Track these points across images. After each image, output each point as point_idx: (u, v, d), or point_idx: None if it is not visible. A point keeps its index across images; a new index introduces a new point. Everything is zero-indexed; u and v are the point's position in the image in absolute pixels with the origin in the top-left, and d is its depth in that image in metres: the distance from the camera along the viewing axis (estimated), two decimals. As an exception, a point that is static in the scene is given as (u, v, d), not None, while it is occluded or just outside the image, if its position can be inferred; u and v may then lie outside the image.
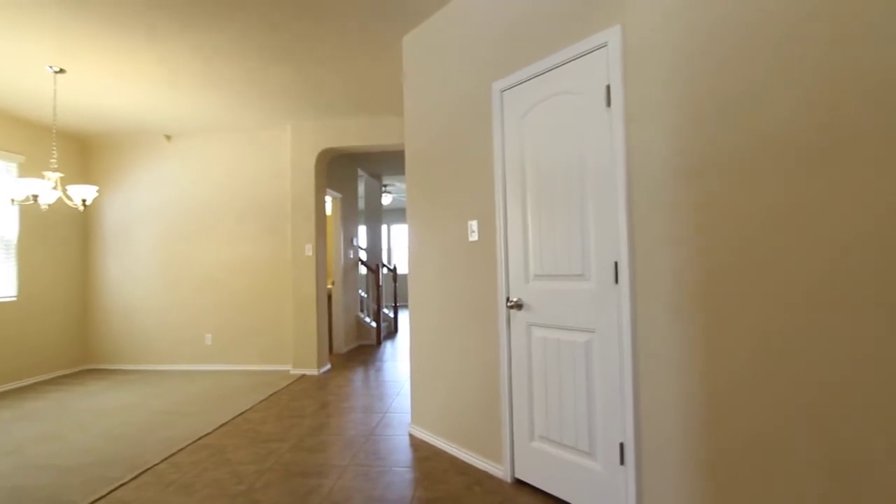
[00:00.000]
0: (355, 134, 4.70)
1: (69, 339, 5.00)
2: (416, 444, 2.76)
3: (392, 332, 7.47)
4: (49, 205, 3.74)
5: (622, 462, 1.73)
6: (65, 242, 4.99)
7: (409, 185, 3.01)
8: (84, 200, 3.38)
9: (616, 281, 1.75)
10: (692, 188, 1.53)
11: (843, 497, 1.21)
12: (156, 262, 5.12)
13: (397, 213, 11.98)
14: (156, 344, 5.08)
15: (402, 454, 2.63)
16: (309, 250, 4.72)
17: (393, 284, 8.46)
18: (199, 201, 5.08)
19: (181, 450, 2.75)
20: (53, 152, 3.54)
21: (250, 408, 3.55)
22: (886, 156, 1.14)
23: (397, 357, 5.54)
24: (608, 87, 1.79)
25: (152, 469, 2.49)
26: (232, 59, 3.31)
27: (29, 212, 4.58)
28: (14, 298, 4.44)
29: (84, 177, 5.24)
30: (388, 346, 6.29)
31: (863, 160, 1.18)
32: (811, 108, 1.27)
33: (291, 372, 4.70)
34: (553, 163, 1.99)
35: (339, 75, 3.64)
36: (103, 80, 3.61)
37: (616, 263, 1.75)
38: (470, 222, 2.46)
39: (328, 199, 5.90)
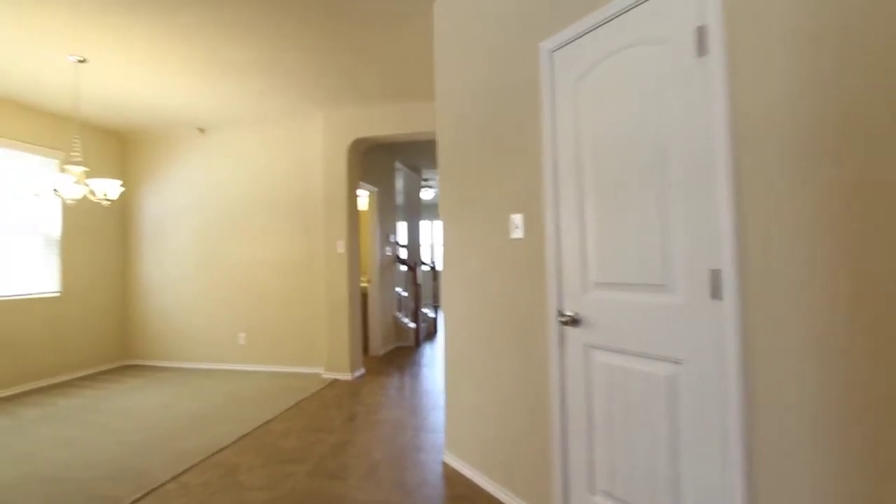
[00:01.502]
0: (389, 121, 4.36)
1: (110, 335, 5.03)
2: (450, 476, 2.38)
3: (432, 333, 7.14)
4: (75, 199, 3.65)
5: (722, 544, 1.26)
6: (105, 239, 5.01)
7: (442, 174, 2.61)
8: (105, 194, 3.24)
9: (715, 295, 1.27)
10: (843, 167, 1.03)
11: None
12: (190, 260, 5.04)
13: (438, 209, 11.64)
14: (191, 342, 5.01)
15: (432, 488, 2.26)
16: (341, 247, 4.44)
17: (433, 283, 8.13)
18: (231, 197, 4.94)
19: (194, 466, 2.52)
20: (76, 143, 3.44)
21: (275, 417, 3.31)
22: None
23: (436, 362, 5.18)
24: (701, 30, 1.31)
25: (158, 490, 2.26)
26: (261, 43, 3.05)
27: (71, 209, 4.60)
28: (58, 294, 4.47)
29: (122, 172, 5.24)
30: (426, 349, 5.96)
31: None
32: None
33: (324, 376, 4.46)
34: (620, 138, 1.52)
35: (371, 56, 3.29)
36: (131, 70, 3.47)
37: (714, 272, 1.27)
38: (512, 216, 2.03)
39: (363, 193, 5.62)
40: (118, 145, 5.17)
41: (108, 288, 5.01)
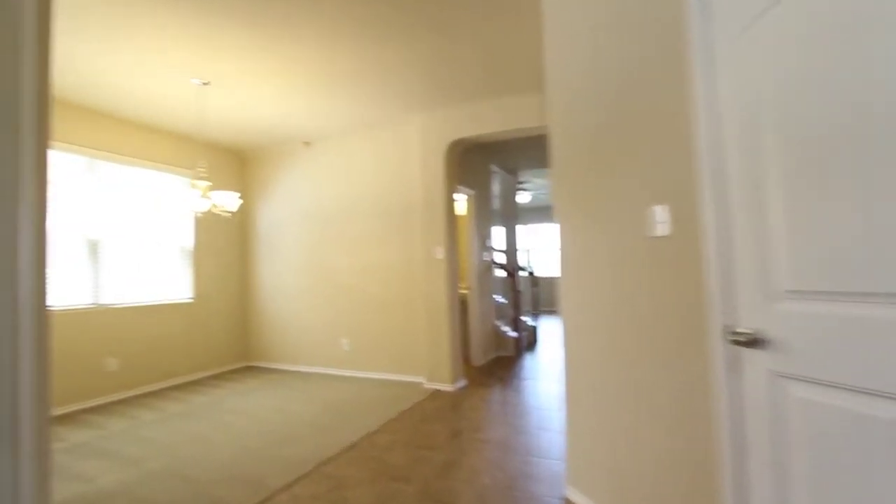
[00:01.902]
0: (489, 119, 4.14)
1: (234, 338, 5.45)
2: (574, 516, 2.04)
3: (532, 342, 6.76)
4: (202, 213, 3.93)
5: None
6: (229, 249, 5.46)
7: (556, 169, 2.30)
8: (226, 207, 3.44)
9: None
10: None
11: None
12: (297, 266, 5.29)
13: (536, 213, 11.20)
14: (300, 346, 5.24)
15: (554, 529, 1.94)
16: (440, 253, 4.31)
17: (531, 289, 7.74)
18: (332, 205, 5.10)
19: (303, 476, 2.49)
20: (201, 161, 3.75)
21: (379, 428, 3.23)
22: None
23: (539, 375, 4.82)
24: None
25: (271, 500, 2.24)
26: (370, 45, 3.03)
27: (201, 221, 5.08)
28: (192, 300, 4.95)
29: (241, 187, 5.70)
30: (528, 360, 5.60)
31: None
32: None
33: (425, 385, 4.35)
34: (822, 96, 1.10)
35: (471, 45, 3.11)
36: (250, 90, 3.69)
37: None
38: (653, 208, 1.66)
39: (460, 197, 5.47)
40: (237, 162, 5.64)
41: (231, 294, 5.45)
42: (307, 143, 5.25)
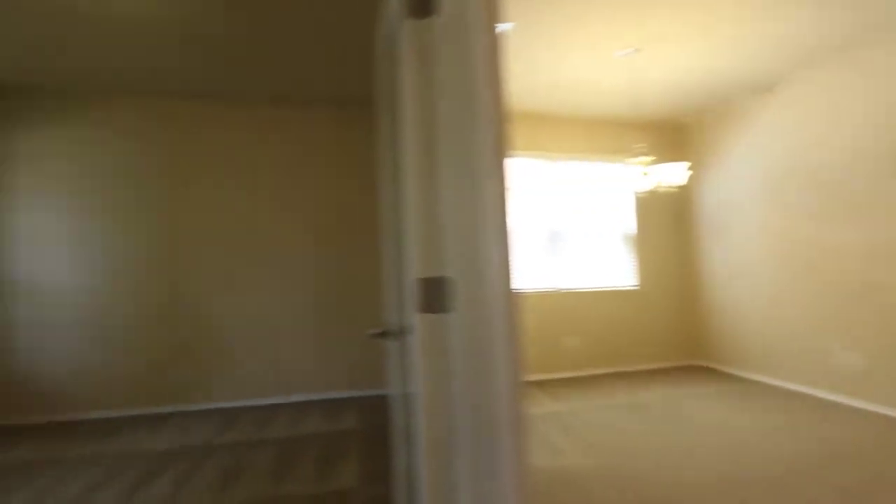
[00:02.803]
0: None
1: (679, 331, 4.93)
2: None
3: None
4: (644, 193, 3.64)
5: None
6: (669, 232, 4.99)
7: None
8: (669, 182, 2.98)
9: None
10: None
11: None
12: (762, 251, 4.12)
13: None
14: (770, 353, 4.06)
15: None
16: None
17: None
18: (809, 167, 3.61)
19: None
20: (638, 137, 3.43)
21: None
22: None
23: None
24: None
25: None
26: None
27: (641, 206, 4.87)
28: (636, 287, 4.83)
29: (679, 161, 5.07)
30: None
31: None
32: None
33: None
34: None
35: None
36: (681, 46, 3.11)
37: None
38: None
39: None
40: (673, 135, 5.07)
41: (673, 282, 4.97)
42: (769, 90, 4.02)
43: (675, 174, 3.01)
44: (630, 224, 4.86)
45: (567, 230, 4.67)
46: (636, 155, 4.50)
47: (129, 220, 3.79)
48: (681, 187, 4.94)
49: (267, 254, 4.03)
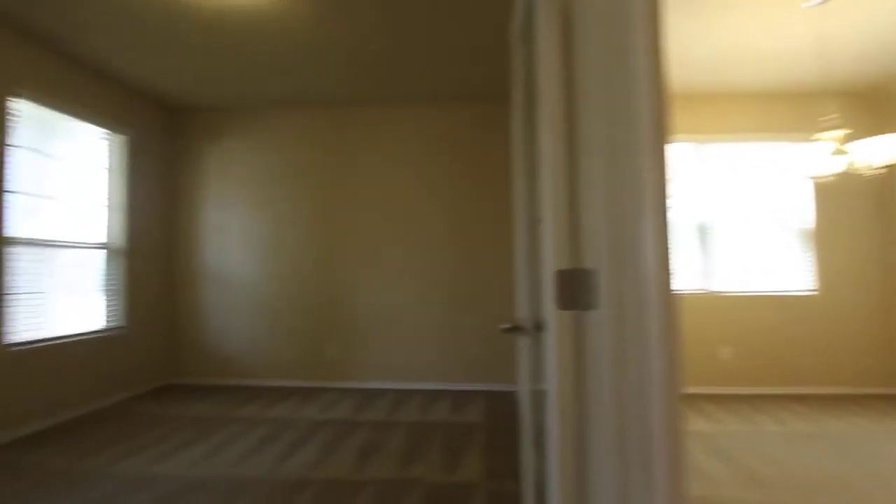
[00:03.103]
0: None
1: (871, 349, 3.92)
2: None
3: None
4: (833, 176, 2.97)
5: None
6: (863, 224, 3.98)
7: None
8: (870, 163, 2.35)
9: None
10: None
11: None
12: None
13: None
14: None
15: None
16: None
17: None
18: None
19: None
20: (826, 109, 2.75)
21: None
22: None
23: None
24: None
25: None
26: None
27: (824, 194, 3.99)
28: (814, 293, 3.98)
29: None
30: None
31: None
32: None
33: None
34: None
35: None
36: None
37: None
38: None
39: None
40: (872, 105, 4.02)
41: (867, 288, 3.95)
42: None
43: (882, 151, 2.36)
44: (807, 216, 4.01)
45: (724, 224, 4.04)
46: (826, 130, 3.67)
47: (294, 219, 4.36)
48: (888, 167, 3.89)
49: (408, 247, 4.28)
